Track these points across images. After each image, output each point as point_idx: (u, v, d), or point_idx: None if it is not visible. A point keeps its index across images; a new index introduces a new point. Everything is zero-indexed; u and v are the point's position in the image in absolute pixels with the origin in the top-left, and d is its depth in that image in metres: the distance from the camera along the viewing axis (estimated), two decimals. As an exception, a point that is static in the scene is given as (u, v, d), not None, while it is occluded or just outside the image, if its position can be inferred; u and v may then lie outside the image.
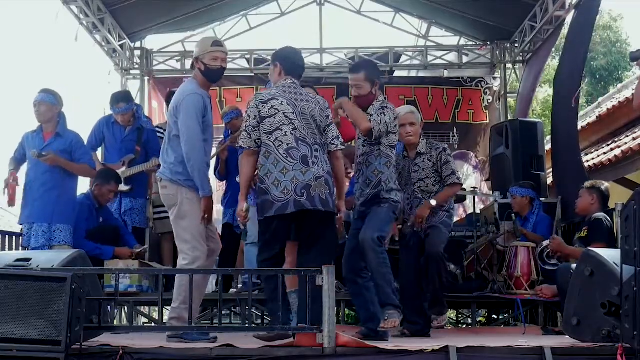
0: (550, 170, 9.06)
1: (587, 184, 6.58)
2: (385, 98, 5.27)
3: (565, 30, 8.91)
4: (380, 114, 5.04)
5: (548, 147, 9.23)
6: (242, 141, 4.77)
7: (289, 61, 4.92)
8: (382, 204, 5.04)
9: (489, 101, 10.88)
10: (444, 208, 5.60)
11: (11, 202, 6.30)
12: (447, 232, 5.59)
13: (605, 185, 6.55)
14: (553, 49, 10.08)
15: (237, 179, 6.50)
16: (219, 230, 7.26)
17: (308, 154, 4.68)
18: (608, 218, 6.17)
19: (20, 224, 6.40)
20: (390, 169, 5.13)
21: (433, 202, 5.51)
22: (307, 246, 4.78)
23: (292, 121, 4.70)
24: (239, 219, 4.93)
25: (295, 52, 5.03)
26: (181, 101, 4.87)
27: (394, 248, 5.81)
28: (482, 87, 10.89)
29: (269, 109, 4.72)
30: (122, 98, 7.38)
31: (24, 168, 6.34)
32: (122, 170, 7.05)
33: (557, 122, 8.50)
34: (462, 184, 5.68)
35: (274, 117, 4.70)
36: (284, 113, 4.70)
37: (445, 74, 11.30)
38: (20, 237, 6.98)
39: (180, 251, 4.88)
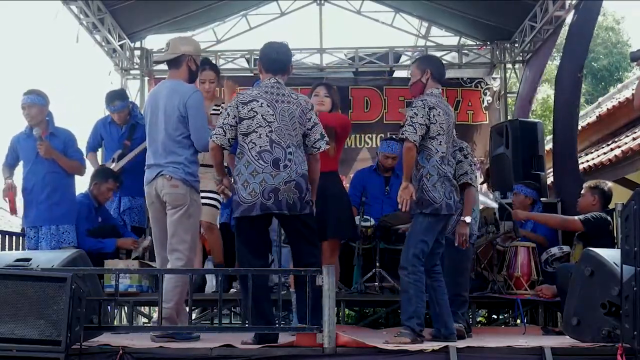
0: (550, 170, 9.04)
1: (591, 183, 6.56)
2: (432, 91, 5.05)
3: (565, 30, 8.91)
4: (411, 115, 4.90)
5: (548, 147, 9.23)
6: (216, 137, 4.72)
7: (265, 57, 4.87)
8: (422, 210, 4.90)
9: (489, 102, 10.88)
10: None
11: (13, 211, 6.25)
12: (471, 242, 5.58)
13: (608, 185, 6.55)
14: (554, 50, 10.08)
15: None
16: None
17: (281, 157, 4.64)
18: (602, 215, 6.18)
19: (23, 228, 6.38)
20: (432, 161, 4.92)
21: (468, 219, 5.40)
22: (293, 248, 4.84)
23: (270, 124, 4.66)
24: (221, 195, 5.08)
25: (272, 46, 4.89)
26: (188, 99, 4.85)
27: None
28: (481, 87, 10.88)
29: (248, 111, 4.68)
30: (117, 96, 7.39)
31: (19, 172, 6.29)
32: (113, 166, 7.06)
33: (557, 123, 8.49)
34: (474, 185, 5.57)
35: (252, 120, 4.67)
36: (262, 115, 4.67)
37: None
38: (21, 238, 6.98)
39: (175, 251, 4.82)
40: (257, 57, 10.79)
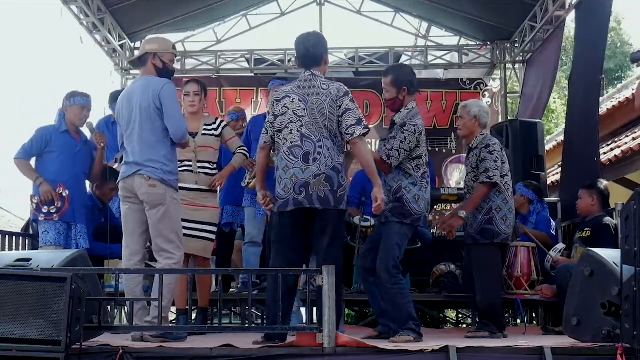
0: (550, 170, 9.01)
1: (586, 184, 6.55)
2: (412, 107, 5.17)
3: (568, 31, 8.87)
4: (402, 140, 5.02)
5: (548, 147, 9.20)
6: (261, 136, 4.88)
7: (296, 53, 4.93)
8: (396, 218, 5.02)
9: (488, 103, 10.86)
10: (481, 210, 5.49)
11: (61, 211, 5.98)
12: (489, 243, 5.48)
13: (604, 184, 6.53)
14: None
15: (244, 184, 6.54)
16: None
17: (311, 150, 4.67)
18: (614, 223, 6.16)
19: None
20: (412, 178, 5.08)
21: (462, 214, 5.53)
22: (319, 244, 4.75)
23: (301, 118, 4.70)
24: (263, 206, 5.01)
25: (301, 40, 4.89)
26: (161, 90, 4.86)
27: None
28: (481, 89, 10.88)
29: (281, 108, 4.77)
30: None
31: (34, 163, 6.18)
32: (116, 166, 7.05)
33: (571, 123, 8.44)
34: (491, 182, 5.46)
35: (284, 116, 4.74)
36: (293, 111, 4.72)
37: (444, 74, 11.30)
38: (21, 237, 6.97)
39: (163, 251, 4.84)
40: (258, 57, 11.01)
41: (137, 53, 5.21)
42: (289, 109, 4.74)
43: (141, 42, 10.89)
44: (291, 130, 4.71)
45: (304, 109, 4.72)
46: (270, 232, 6.28)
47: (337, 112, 4.73)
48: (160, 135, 4.88)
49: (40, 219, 6.00)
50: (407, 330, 4.82)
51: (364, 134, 4.75)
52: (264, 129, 4.87)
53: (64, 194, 5.98)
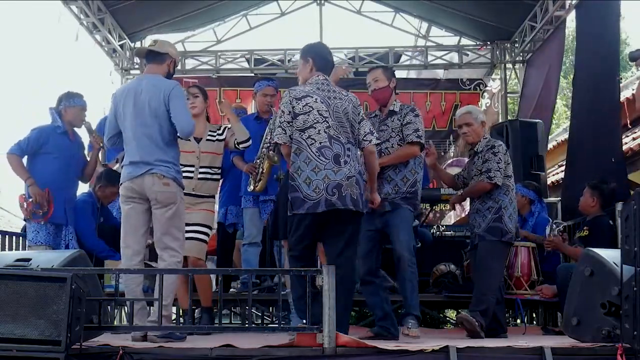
0: (550, 170, 8.99)
1: (592, 183, 6.53)
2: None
3: (569, 31, 8.87)
4: (418, 121, 5.33)
5: (548, 147, 9.18)
6: (278, 137, 4.77)
7: (321, 57, 4.94)
8: (410, 207, 5.26)
9: (487, 104, 10.88)
10: (491, 210, 5.52)
11: (47, 216, 5.98)
12: (497, 240, 5.48)
13: (611, 186, 6.47)
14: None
15: (250, 189, 6.50)
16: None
17: (341, 152, 4.67)
18: (610, 222, 6.16)
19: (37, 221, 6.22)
20: (419, 176, 5.36)
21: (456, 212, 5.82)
22: (336, 244, 4.74)
23: (326, 119, 4.70)
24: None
25: (326, 48, 5.07)
26: (171, 91, 4.86)
27: None
28: (480, 89, 10.89)
29: (302, 106, 4.71)
30: None
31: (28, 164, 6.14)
32: (117, 167, 7.05)
33: (576, 123, 8.42)
34: (492, 183, 5.50)
35: (308, 115, 4.70)
36: (318, 111, 4.70)
37: (444, 74, 11.30)
38: (21, 237, 6.96)
39: (169, 249, 4.84)
40: (258, 57, 10.98)
41: (156, 47, 5.05)
42: (313, 109, 4.70)
43: (141, 42, 11.01)
44: (319, 130, 4.67)
45: (327, 111, 4.72)
46: (269, 233, 6.29)
47: (357, 119, 4.84)
48: (168, 136, 4.89)
49: (29, 219, 6.02)
50: (413, 318, 5.00)
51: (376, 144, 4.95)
52: (279, 129, 4.73)
53: (49, 200, 5.96)
